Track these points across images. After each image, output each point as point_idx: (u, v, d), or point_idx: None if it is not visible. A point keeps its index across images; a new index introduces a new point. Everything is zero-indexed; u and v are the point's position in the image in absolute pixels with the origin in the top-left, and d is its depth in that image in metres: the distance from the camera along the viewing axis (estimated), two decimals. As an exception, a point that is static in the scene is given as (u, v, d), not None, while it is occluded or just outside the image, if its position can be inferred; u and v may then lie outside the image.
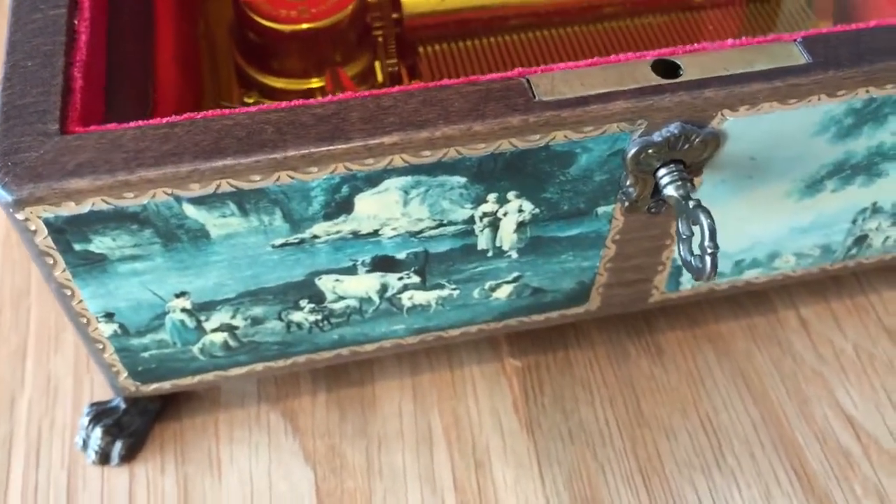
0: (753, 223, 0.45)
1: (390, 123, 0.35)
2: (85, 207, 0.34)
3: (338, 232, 0.38)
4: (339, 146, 0.35)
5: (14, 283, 0.54)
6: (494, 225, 0.40)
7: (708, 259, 0.36)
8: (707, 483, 0.46)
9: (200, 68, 0.54)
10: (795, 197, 0.44)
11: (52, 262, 0.37)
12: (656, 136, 0.37)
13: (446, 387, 0.49)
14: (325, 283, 0.41)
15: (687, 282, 0.47)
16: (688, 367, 0.50)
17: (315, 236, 0.38)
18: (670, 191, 0.38)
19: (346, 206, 0.37)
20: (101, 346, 0.41)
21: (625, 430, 0.48)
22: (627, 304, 0.48)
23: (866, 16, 0.55)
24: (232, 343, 0.43)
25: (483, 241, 0.41)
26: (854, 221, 0.47)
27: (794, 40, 0.39)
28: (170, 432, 0.48)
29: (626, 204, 0.40)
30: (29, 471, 0.46)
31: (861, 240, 0.48)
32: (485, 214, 0.40)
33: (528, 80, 0.37)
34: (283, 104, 0.36)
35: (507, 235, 0.41)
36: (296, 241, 0.38)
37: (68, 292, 0.38)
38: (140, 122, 0.35)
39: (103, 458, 0.46)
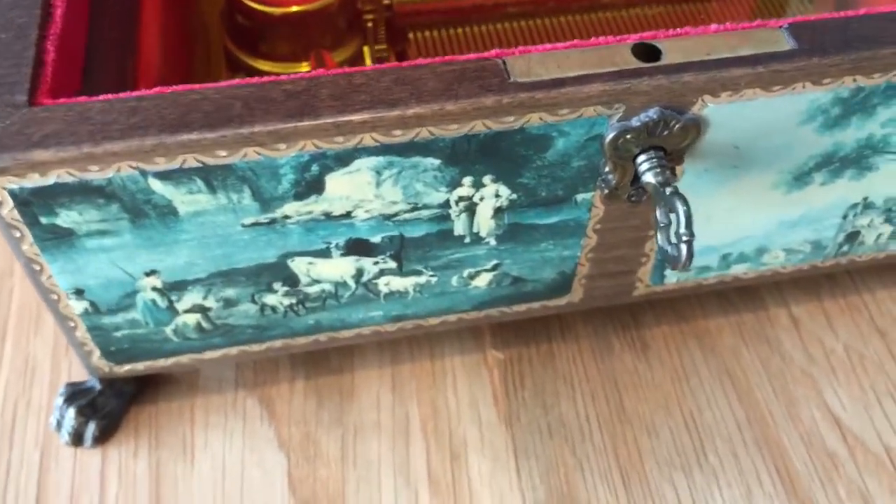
0: (740, 215, 0.44)
1: (361, 101, 0.35)
2: (50, 179, 0.34)
3: (309, 212, 0.38)
4: (308, 123, 0.34)
5: (-2, 264, 0.54)
6: (471, 210, 0.40)
7: (683, 247, 0.35)
8: (687, 482, 0.45)
9: (189, 51, 0.54)
10: (783, 189, 0.43)
11: (19, 235, 0.36)
12: (635, 121, 0.37)
13: (426, 377, 0.49)
14: (299, 266, 0.40)
15: (672, 275, 0.46)
16: (673, 364, 0.49)
17: (286, 216, 0.38)
18: (648, 178, 0.37)
19: (316, 186, 0.37)
20: (72, 324, 0.41)
21: (605, 426, 0.47)
22: (611, 297, 0.47)
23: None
24: (205, 325, 0.43)
25: (460, 227, 0.40)
26: (845, 217, 0.45)
27: (781, 26, 0.38)
28: (145, 416, 0.47)
29: (606, 191, 0.40)
30: (2, 450, 0.46)
31: (853, 236, 0.47)
32: (461, 199, 0.39)
33: (504, 62, 0.36)
34: (255, 80, 0.35)
35: (485, 221, 0.40)
36: (266, 220, 0.38)
37: (37, 267, 0.38)
38: (109, 96, 0.35)
39: (76, 438, 0.46)
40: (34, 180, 0.34)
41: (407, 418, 0.47)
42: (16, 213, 0.35)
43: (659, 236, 0.38)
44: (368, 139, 0.35)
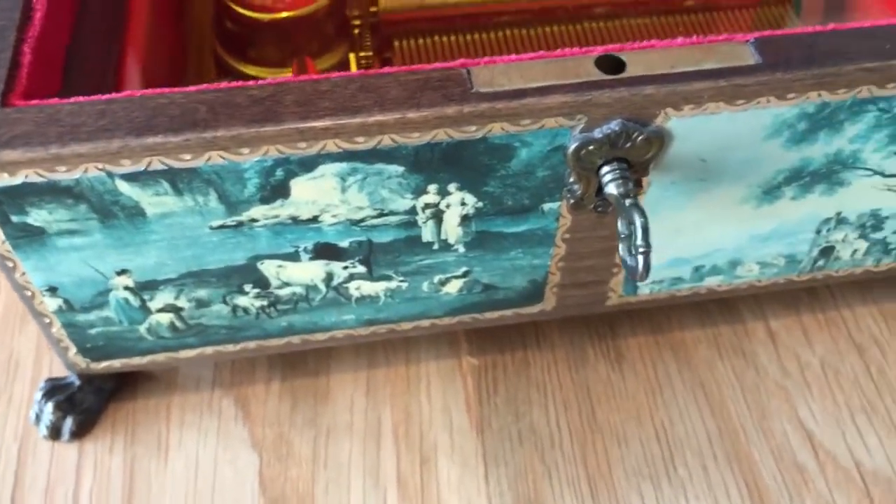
0: (710, 228, 0.44)
1: (324, 108, 0.35)
2: (18, 179, 0.35)
3: (276, 216, 0.38)
4: (270, 128, 0.35)
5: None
6: (438, 217, 0.40)
7: (640, 258, 0.36)
8: (655, 493, 0.45)
9: (177, 55, 0.55)
10: (753, 203, 0.43)
11: (-9, 233, 0.37)
12: (597, 133, 0.37)
13: (401, 381, 0.49)
14: (269, 269, 0.41)
15: (645, 286, 0.47)
16: (647, 375, 0.49)
17: (253, 220, 0.38)
18: (611, 189, 0.37)
19: (282, 190, 0.37)
20: (47, 321, 0.42)
21: (576, 435, 0.47)
22: (585, 306, 0.48)
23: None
24: (179, 325, 0.43)
25: (427, 234, 0.41)
26: (818, 231, 0.45)
27: (747, 41, 0.38)
28: (123, 412, 0.48)
29: (572, 202, 0.40)
30: (-18, 443, 0.47)
31: (828, 251, 0.47)
32: (427, 205, 0.39)
33: (468, 71, 0.36)
34: (223, 84, 0.36)
35: (452, 229, 0.41)
36: (233, 223, 0.38)
37: (10, 264, 0.39)
38: (80, 98, 0.36)
39: (54, 433, 0.47)
40: (4, 180, 0.35)
41: (379, 422, 0.48)
42: (-12, 212, 0.36)
43: (620, 247, 0.38)
44: (332, 145, 0.36)
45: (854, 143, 0.41)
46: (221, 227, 0.38)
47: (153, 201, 0.37)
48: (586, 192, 0.39)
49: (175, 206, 0.37)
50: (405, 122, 0.35)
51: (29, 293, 0.40)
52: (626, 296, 0.47)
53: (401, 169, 0.37)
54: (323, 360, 0.50)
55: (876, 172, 0.43)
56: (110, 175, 0.35)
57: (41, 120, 0.35)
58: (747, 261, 0.46)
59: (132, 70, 0.47)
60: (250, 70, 0.53)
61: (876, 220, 0.46)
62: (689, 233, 0.44)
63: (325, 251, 0.41)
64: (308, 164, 0.36)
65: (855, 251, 0.47)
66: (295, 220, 0.39)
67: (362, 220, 0.39)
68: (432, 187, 0.39)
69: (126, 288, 0.41)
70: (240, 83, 0.36)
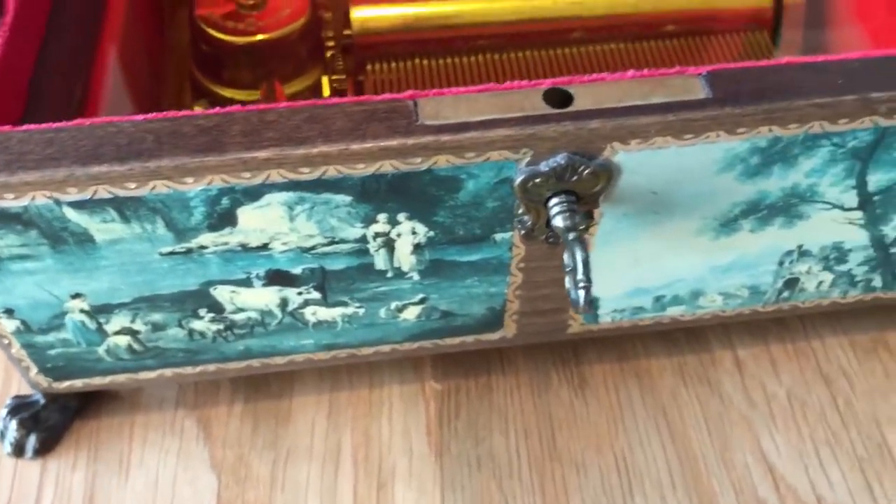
0: (668, 259, 0.44)
1: (268, 138, 0.35)
2: (-33, 205, 0.35)
3: (225, 244, 0.39)
4: (213, 158, 0.35)
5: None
6: (389, 245, 0.40)
7: (581, 292, 0.36)
8: (611, 522, 0.45)
9: (154, 77, 0.55)
10: (710, 235, 0.43)
11: (-54, 256, 0.38)
12: (543, 166, 0.37)
13: (363, 405, 0.49)
14: (222, 294, 0.41)
15: (606, 314, 0.47)
16: (610, 402, 0.49)
17: (202, 246, 0.39)
18: (557, 221, 0.37)
19: (229, 219, 0.37)
20: (6, 342, 0.42)
21: (535, 462, 0.47)
22: (546, 334, 0.48)
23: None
24: (136, 347, 0.44)
25: (380, 261, 0.41)
26: (781, 263, 0.45)
27: (699, 74, 0.38)
28: (87, 430, 0.49)
29: (523, 232, 0.40)
30: (-53, 458, 0.48)
31: (792, 283, 0.46)
32: (377, 234, 0.40)
33: (415, 103, 0.37)
34: (171, 114, 0.36)
35: (405, 257, 0.41)
36: (183, 250, 0.39)
37: (-34, 287, 0.39)
38: (29, 126, 0.36)
39: (18, 449, 0.47)
40: (-46, 205, 0.35)
41: (339, 445, 0.48)
42: (-60, 236, 0.37)
43: (567, 279, 0.38)
44: (276, 175, 0.36)
45: (810, 177, 0.40)
46: (171, 253, 0.39)
47: (101, 228, 0.37)
48: (536, 223, 0.39)
49: (123, 233, 0.37)
50: (349, 154, 0.36)
51: (-14, 314, 0.41)
52: (588, 324, 0.47)
53: (348, 199, 0.38)
54: (286, 382, 0.50)
55: (835, 206, 0.42)
56: (58, 203, 0.36)
57: (-10, 148, 0.36)
58: (709, 291, 0.46)
59: (104, 93, 0.48)
60: (226, 92, 0.54)
61: (839, 253, 0.45)
62: (647, 263, 0.43)
63: (277, 278, 0.41)
64: (253, 194, 0.37)
65: (820, 283, 0.47)
66: (245, 248, 0.39)
67: (313, 247, 0.40)
68: (382, 216, 0.39)
69: (82, 311, 0.41)
70: (187, 112, 0.36)
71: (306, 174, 0.36)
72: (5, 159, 0.35)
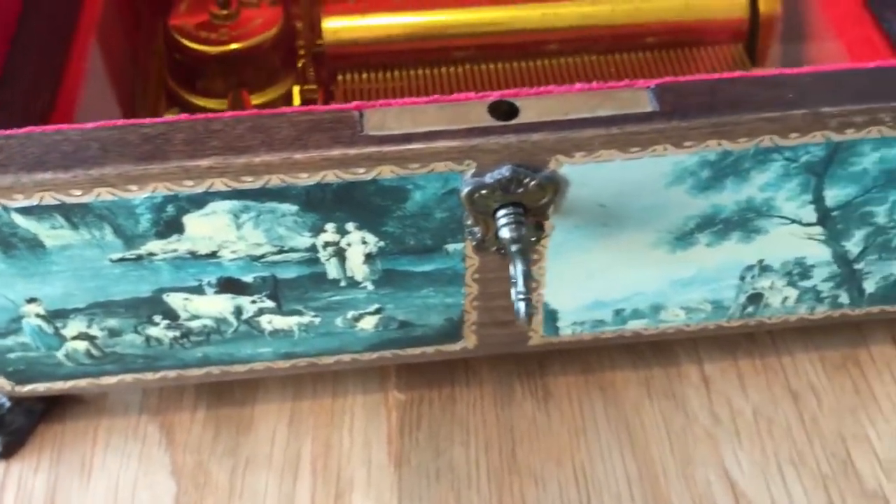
0: (624, 272, 0.43)
1: (212, 147, 0.36)
2: (-84, 210, 0.36)
3: (174, 251, 0.39)
4: (156, 166, 0.35)
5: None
6: (340, 255, 0.40)
7: (521, 304, 0.36)
8: (567, 536, 0.45)
9: (129, 84, 0.56)
10: (666, 248, 0.42)
11: None
12: (488, 178, 0.37)
13: (325, 414, 0.49)
14: (175, 301, 0.42)
15: (566, 327, 0.46)
16: (573, 414, 0.49)
17: (151, 253, 0.39)
18: (503, 233, 0.37)
19: (175, 226, 0.38)
20: (-34, 345, 0.43)
21: (494, 474, 0.47)
22: (508, 345, 0.47)
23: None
24: (95, 352, 0.44)
25: (332, 271, 0.41)
26: (742, 278, 0.45)
27: (648, 87, 0.38)
28: (51, 434, 0.49)
29: (474, 243, 0.40)
30: (-87, 459, 0.48)
31: (755, 298, 0.46)
32: (327, 244, 0.40)
33: (360, 114, 0.37)
34: (118, 122, 0.37)
35: (357, 266, 0.41)
36: (133, 256, 0.39)
37: (-77, 290, 0.40)
38: (-20, 133, 0.37)
39: (-18, 452, 0.48)
40: None
41: (298, 454, 0.48)
42: None
43: (512, 291, 0.38)
44: (219, 184, 0.36)
45: (765, 191, 0.40)
46: (122, 259, 0.39)
47: (51, 234, 0.38)
48: (486, 234, 0.39)
49: (73, 240, 0.38)
50: (292, 163, 0.36)
51: (-56, 317, 0.41)
52: (548, 336, 0.47)
53: (294, 208, 0.38)
54: (250, 390, 0.50)
55: (794, 221, 0.42)
56: (6, 209, 0.36)
57: (-59, 154, 0.36)
58: (671, 305, 0.46)
59: (71, 100, 0.48)
60: (199, 101, 0.54)
61: (802, 269, 0.45)
62: (602, 275, 0.43)
63: (229, 285, 0.41)
64: (198, 202, 0.37)
65: (785, 298, 0.46)
66: (194, 255, 0.39)
67: (262, 255, 0.40)
68: (330, 226, 0.39)
69: (38, 315, 0.42)
70: (132, 121, 0.37)
71: (249, 183, 0.36)
72: (-45, 165, 0.36)
